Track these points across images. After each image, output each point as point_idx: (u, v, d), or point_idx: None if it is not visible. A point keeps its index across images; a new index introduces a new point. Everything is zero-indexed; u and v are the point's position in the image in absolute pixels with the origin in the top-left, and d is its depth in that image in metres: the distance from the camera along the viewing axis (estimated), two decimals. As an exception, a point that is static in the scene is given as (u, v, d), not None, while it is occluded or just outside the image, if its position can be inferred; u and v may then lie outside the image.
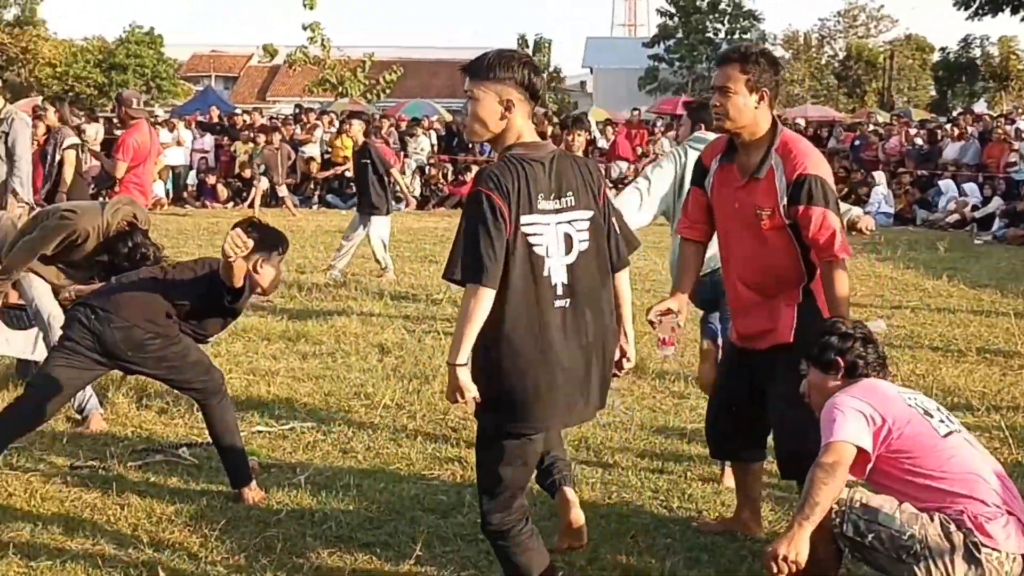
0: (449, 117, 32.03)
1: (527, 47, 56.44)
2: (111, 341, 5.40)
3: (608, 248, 4.11)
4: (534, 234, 3.88)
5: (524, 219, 3.86)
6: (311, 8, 40.37)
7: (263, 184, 23.20)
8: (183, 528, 5.22)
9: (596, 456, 6.53)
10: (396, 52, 54.01)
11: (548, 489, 4.81)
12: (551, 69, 56.02)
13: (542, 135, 10.03)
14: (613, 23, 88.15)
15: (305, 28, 40.88)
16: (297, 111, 29.72)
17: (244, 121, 27.18)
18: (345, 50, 43.60)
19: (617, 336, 4.19)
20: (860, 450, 4.11)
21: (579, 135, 10.12)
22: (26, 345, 7.39)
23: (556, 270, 3.92)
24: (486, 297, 3.78)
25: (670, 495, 5.88)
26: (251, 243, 5.20)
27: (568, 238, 3.95)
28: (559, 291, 3.92)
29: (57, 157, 11.42)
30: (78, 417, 6.90)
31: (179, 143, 25.90)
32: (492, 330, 3.84)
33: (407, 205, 17.08)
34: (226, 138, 26.77)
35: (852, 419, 4.13)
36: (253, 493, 5.58)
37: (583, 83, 62.67)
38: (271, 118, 29.89)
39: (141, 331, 5.42)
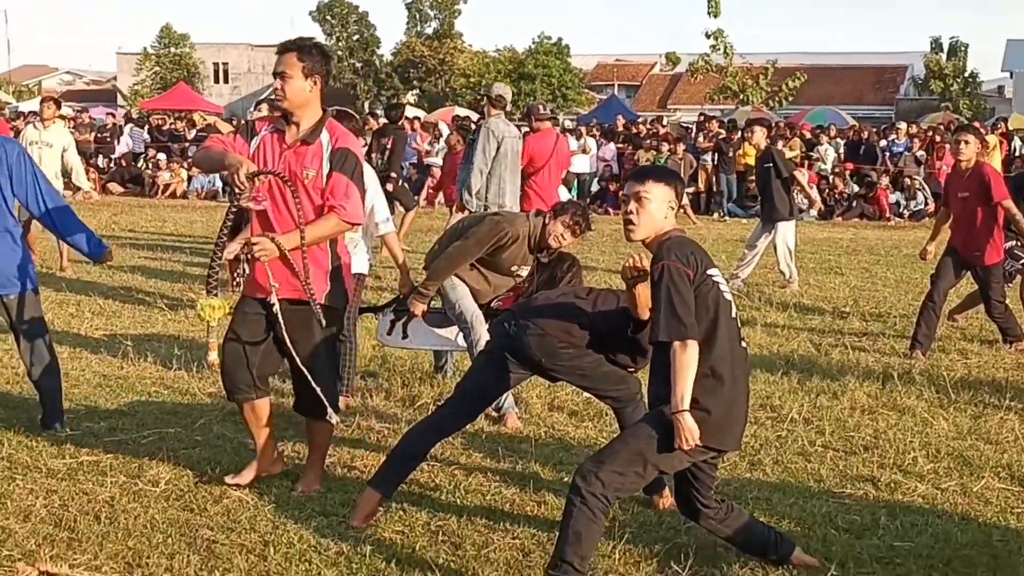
0: (855, 124, 31.19)
1: (941, 51, 53.84)
2: (526, 347, 5.62)
3: None
4: None
5: None
6: (716, 16, 40.46)
7: (664, 192, 23.45)
8: (597, 529, 5.35)
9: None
10: (800, 58, 53.01)
11: None
12: (966, 73, 53.08)
13: (957, 142, 9.61)
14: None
15: (708, 36, 41.01)
16: (701, 119, 29.80)
17: (647, 129, 27.57)
18: (747, 57, 43.38)
19: None
20: None
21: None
22: (445, 340, 7.80)
23: None
24: None
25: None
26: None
27: None
28: None
29: None
30: (495, 415, 7.23)
31: (585, 151, 26.58)
32: None
33: (812, 206, 16.74)
34: (630, 146, 27.26)
35: None
36: (664, 500, 5.66)
37: (1000, 88, 59.09)
38: (679, 125, 30.15)
39: (554, 340, 5.61)
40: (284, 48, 5.55)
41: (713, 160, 25.57)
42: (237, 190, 5.39)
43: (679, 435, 4.48)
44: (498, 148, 10.26)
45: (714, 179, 25.67)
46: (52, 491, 5.73)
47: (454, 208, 11.96)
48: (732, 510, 4.99)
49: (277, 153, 5.58)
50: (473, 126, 21.69)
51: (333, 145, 5.53)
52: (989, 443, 6.95)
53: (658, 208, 4.72)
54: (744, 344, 4.81)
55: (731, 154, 24.66)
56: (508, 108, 10.79)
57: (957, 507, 5.81)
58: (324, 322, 5.57)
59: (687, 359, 4.48)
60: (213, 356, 5.61)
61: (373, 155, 16.00)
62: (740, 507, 5.15)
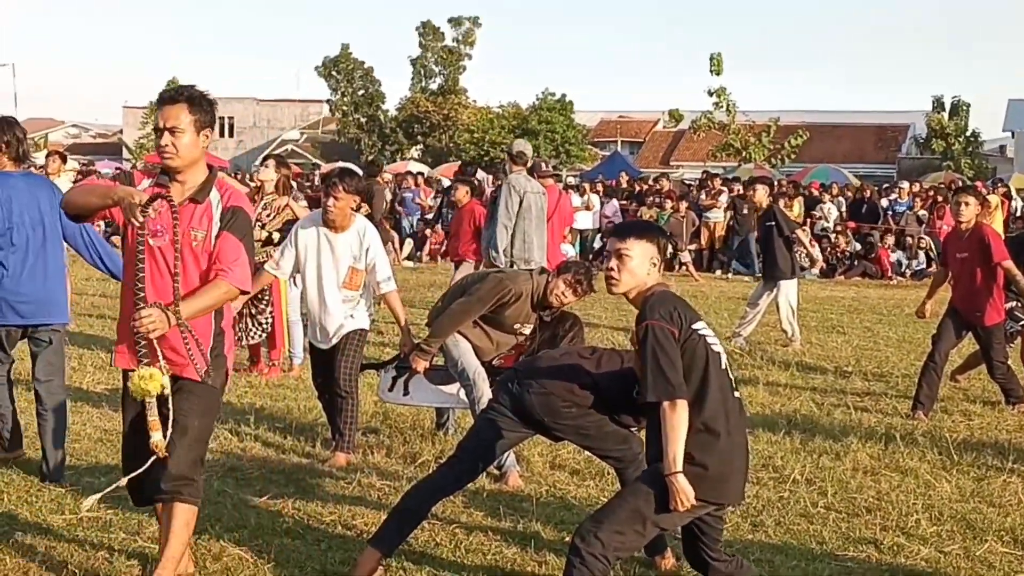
0: (856, 182, 31.32)
1: (943, 110, 54.04)
2: (529, 405, 5.62)
3: None
4: None
5: None
6: (718, 74, 40.77)
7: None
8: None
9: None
10: (801, 116, 53.25)
11: None
12: (968, 132, 53.21)
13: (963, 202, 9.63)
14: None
15: (711, 94, 41.27)
16: (704, 176, 29.91)
17: (650, 187, 27.69)
18: (750, 115, 43.61)
19: None
20: None
21: None
22: (447, 397, 7.81)
23: None
24: None
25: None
26: None
27: None
28: None
29: None
30: (496, 473, 7.21)
31: (588, 207, 26.67)
32: None
33: (813, 265, 16.80)
34: (633, 203, 27.35)
35: None
36: (666, 561, 5.63)
37: (1002, 147, 59.30)
38: (681, 182, 30.30)
39: (557, 399, 5.60)
40: (171, 99, 4.90)
41: (727, 219, 25.46)
42: (137, 224, 4.73)
43: (674, 497, 4.48)
44: (521, 203, 10.35)
45: (718, 237, 25.65)
46: (52, 547, 5.71)
47: (481, 265, 12.05)
48: (742, 566, 4.98)
49: (164, 211, 4.86)
50: (476, 181, 21.82)
51: (224, 204, 4.95)
52: (992, 506, 6.92)
53: (639, 265, 4.75)
54: (737, 395, 4.80)
55: (745, 211, 24.42)
56: (529, 164, 10.89)
57: (960, 571, 5.78)
58: (205, 403, 5.01)
59: (677, 419, 4.48)
60: (157, 437, 4.77)
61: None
62: (749, 563, 5.12)
